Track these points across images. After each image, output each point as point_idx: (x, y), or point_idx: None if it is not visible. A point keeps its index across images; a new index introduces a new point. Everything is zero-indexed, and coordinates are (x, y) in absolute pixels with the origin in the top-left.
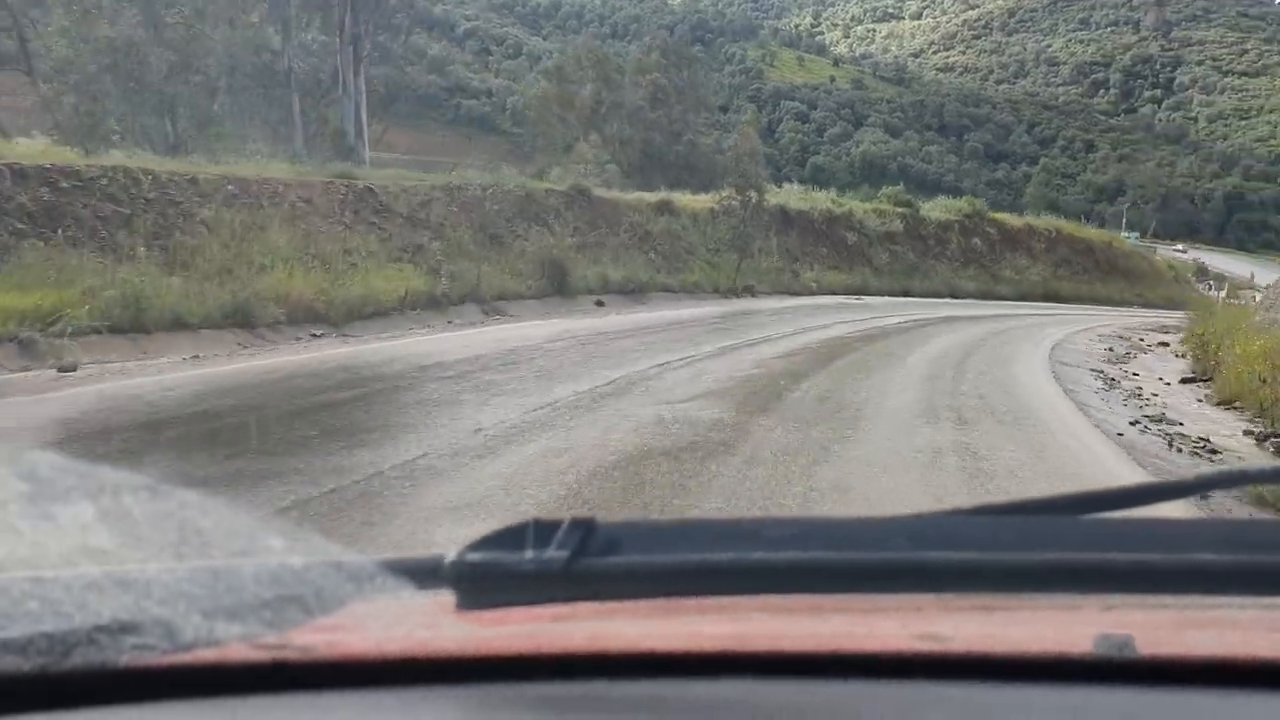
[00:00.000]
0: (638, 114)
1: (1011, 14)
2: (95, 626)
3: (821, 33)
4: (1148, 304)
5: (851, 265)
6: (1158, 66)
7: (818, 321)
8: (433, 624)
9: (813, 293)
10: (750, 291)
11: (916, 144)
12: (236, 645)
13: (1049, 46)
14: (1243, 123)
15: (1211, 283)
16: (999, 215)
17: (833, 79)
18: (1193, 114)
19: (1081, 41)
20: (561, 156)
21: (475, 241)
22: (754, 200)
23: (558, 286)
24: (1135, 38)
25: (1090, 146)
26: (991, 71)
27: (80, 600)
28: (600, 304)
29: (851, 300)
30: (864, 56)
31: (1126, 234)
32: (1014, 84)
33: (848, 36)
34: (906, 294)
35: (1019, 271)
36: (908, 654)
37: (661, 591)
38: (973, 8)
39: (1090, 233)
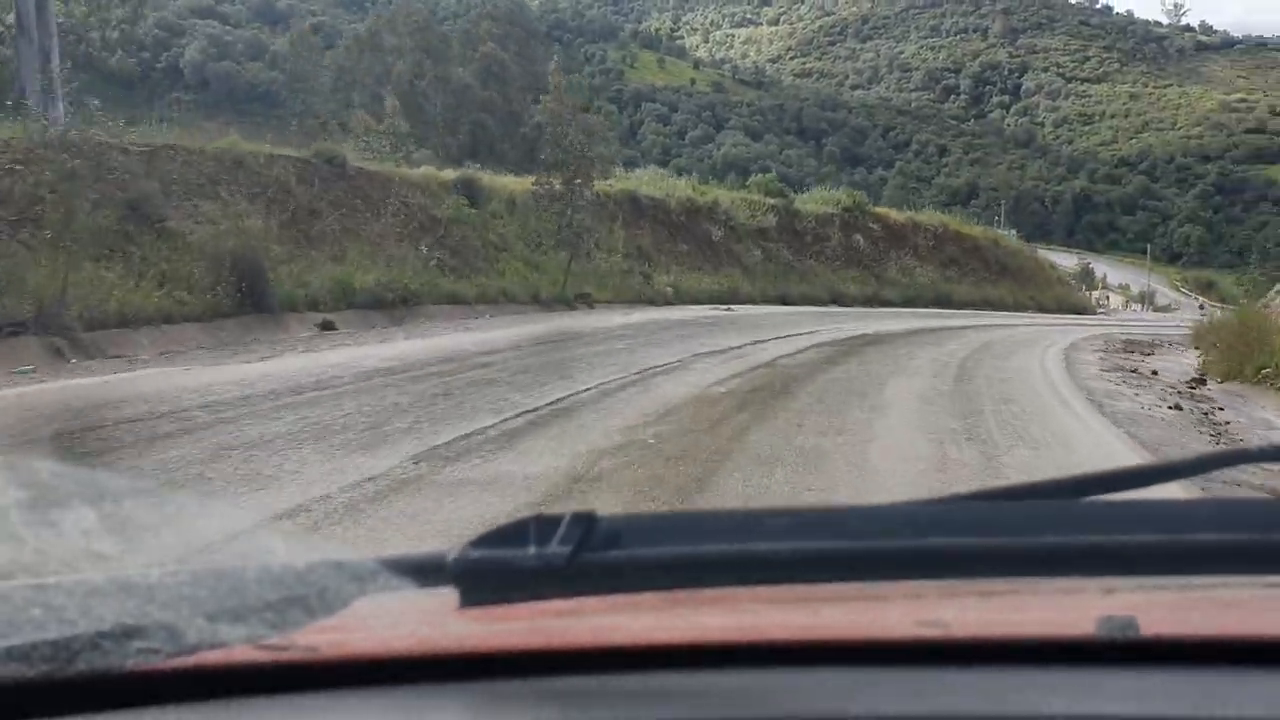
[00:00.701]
0: (466, 92)
1: (865, 21)
2: (99, 632)
3: (681, 37)
4: (1042, 307)
5: (717, 266)
6: (1006, 73)
7: (670, 355)
8: (436, 621)
9: (669, 301)
10: (586, 301)
11: (777, 147)
12: (241, 647)
13: (901, 53)
14: (1086, 128)
15: (1106, 290)
16: (881, 210)
17: (693, 81)
18: (1040, 119)
19: (932, 48)
20: (334, 129)
21: (107, 230)
22: (580, 182)
23: (254, 300)
24: (984, 44)
25: (944, 150)
26: (847, 77)
27: (83, 606)
28: (328, 327)
29: (719, 312)
30: (723, 61)
31: (1008, 231)
32: (869, 89)
33: (707, 41)
34: (784, 301)
35: (906, 273)
36: (911, 641)
37: (664, 584)
38: (827, 15)
39: (976, 230)
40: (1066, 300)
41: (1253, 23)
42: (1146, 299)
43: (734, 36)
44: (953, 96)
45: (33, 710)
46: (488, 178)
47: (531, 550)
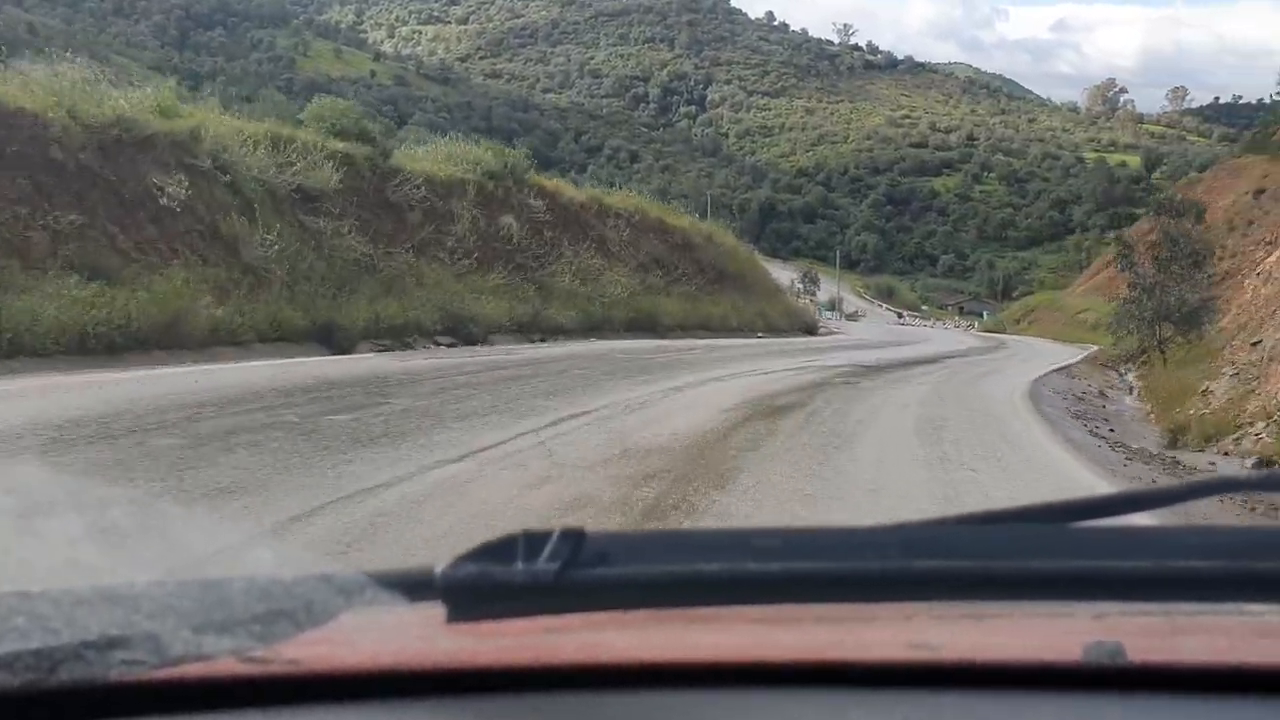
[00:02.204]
0: None
1: (555, 25)
2: (83, 642)
3: (365, 31)
4: (772, 326)
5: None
6: (692, 83)
7: None
8: (424, 636)
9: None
10: None
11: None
12: (225, 659)
13: (592, 59)
14: (767, 139)
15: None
16: (548, 180)
17: (374, 74)
18: (724, 130)
19: (622, 56)
20: None
21: None
22: None
23: None
24: (671, 55)
25: (635, 156)
26: (538, 80)
27: (67, 616)
28: None
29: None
30: (409, 57)
31: (703, 207)
32: (560, 93)
33: (393, 37)
34: (327, 336)
35: (587, 278)
36: (899, 663)
37: (652, 602)
38: (518, 17)
39: (684, 221)
40: (797, 315)
41: (907, 46)
42: (836, 306)
43: (421, 33)
44: (642, 105)
45: None
46: None
47: (520, 566)
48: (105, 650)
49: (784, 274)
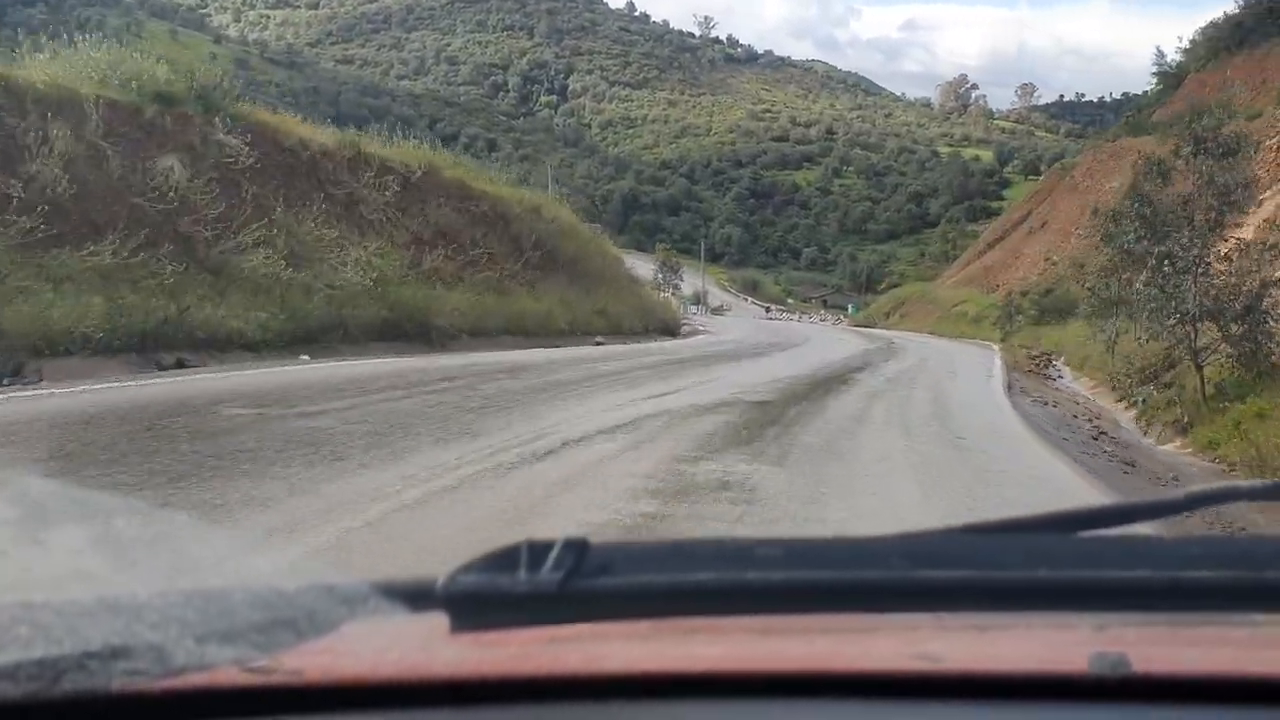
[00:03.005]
0: None
1: (410, 11)
2: (85, 652)
3: (210, 15)
4: (618, 328)
5: None
6: (553, 72)
7: None
8: (426, 646)
9: None
10: None
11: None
12: (228, 669)
13: (449, 45)
14: (630, 130)
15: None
16: (270, 115)
17: (214, 56)
18: (587, 120)
19: (480, 43)
20: None
21: None
22: None
23: None
24: (531, 43)
25: (493, 145)
26: (392, 66)
27: (70, 625)
28: None
29: None
30: (255, 41)
31: (557, 192)
32: (415, 80)
33: (239, 21)
34: None
35: (308, 256)
36: (902, 674)
37: (655, 612)
38: (371, 1)
39: (503, 190)
40: (653, 313)
41: (765, 43)
42: (702, 300)
43: (270, 18)
44: (502, 93)
45: None
46: None
47: (523, 576)
48: (108, 660)
49: (647, 268)
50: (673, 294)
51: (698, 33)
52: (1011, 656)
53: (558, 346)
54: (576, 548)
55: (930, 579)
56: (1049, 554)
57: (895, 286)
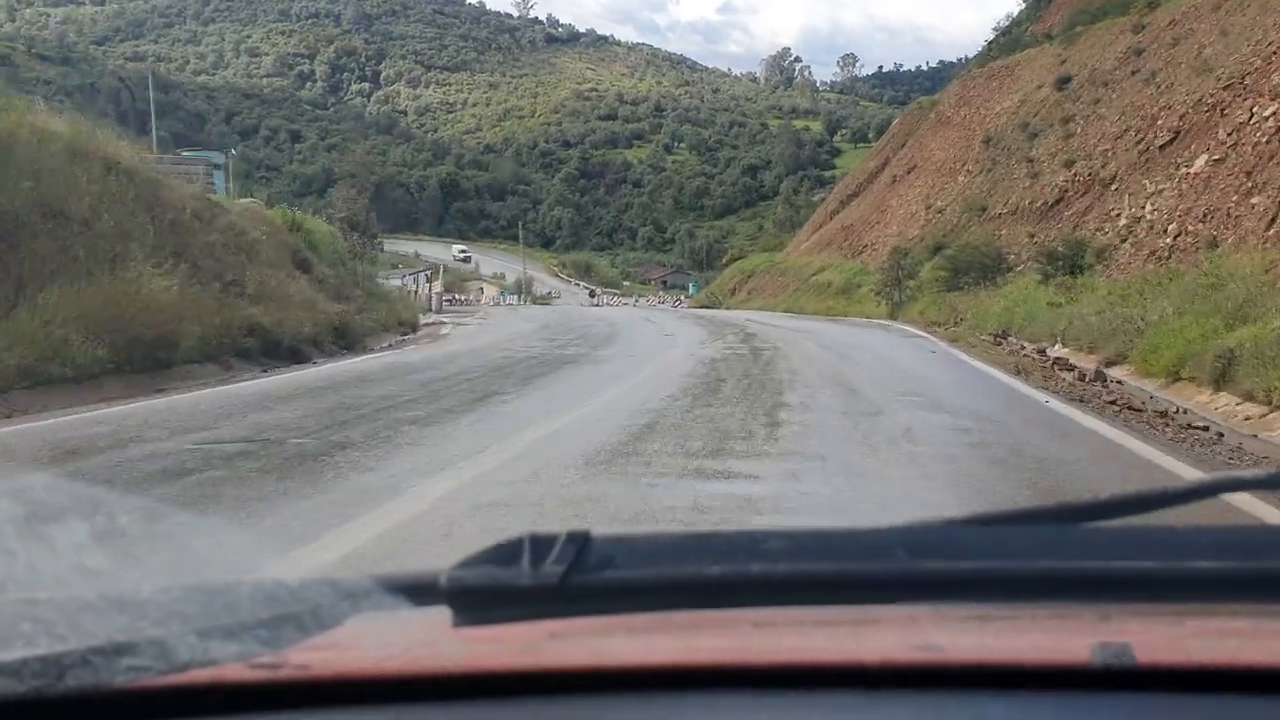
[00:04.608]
0: None
1: (205, 2)
2: (90, 648)
3: None
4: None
5: None
6: (363, 59)
7: None
8: (429, 641)
9: None
10: None
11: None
12: (232, 665)
13: (249, 37)
14: (450, 115)
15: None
16: None
17: None
18: (403, 107)
19: (284, 33)
20: None
21: None
22: None
23: None
24: (338, 30)
25: (297, 136)
26: (189, 61)
27: (74, 622)
28: None
29: None
30: (27, 38)
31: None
32: (214, 74)
33: (14, 20)
34: None
35: None
36: (905, 665)
37: (658, 606)
38: None
39: None
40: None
41: (587, 25)
42: (524, 289)
43: (50, 15)
44: (309, 83)
45: None
46: None
47: (525, 570)
48: (112, 656)
49: (445, 255)
50: (484, 284)
51: (516, 13)
52: (1014, 647)
53: None
54: (579, 541)
55: (933, 570)
56: (1052, 545)
57: (738, 259)
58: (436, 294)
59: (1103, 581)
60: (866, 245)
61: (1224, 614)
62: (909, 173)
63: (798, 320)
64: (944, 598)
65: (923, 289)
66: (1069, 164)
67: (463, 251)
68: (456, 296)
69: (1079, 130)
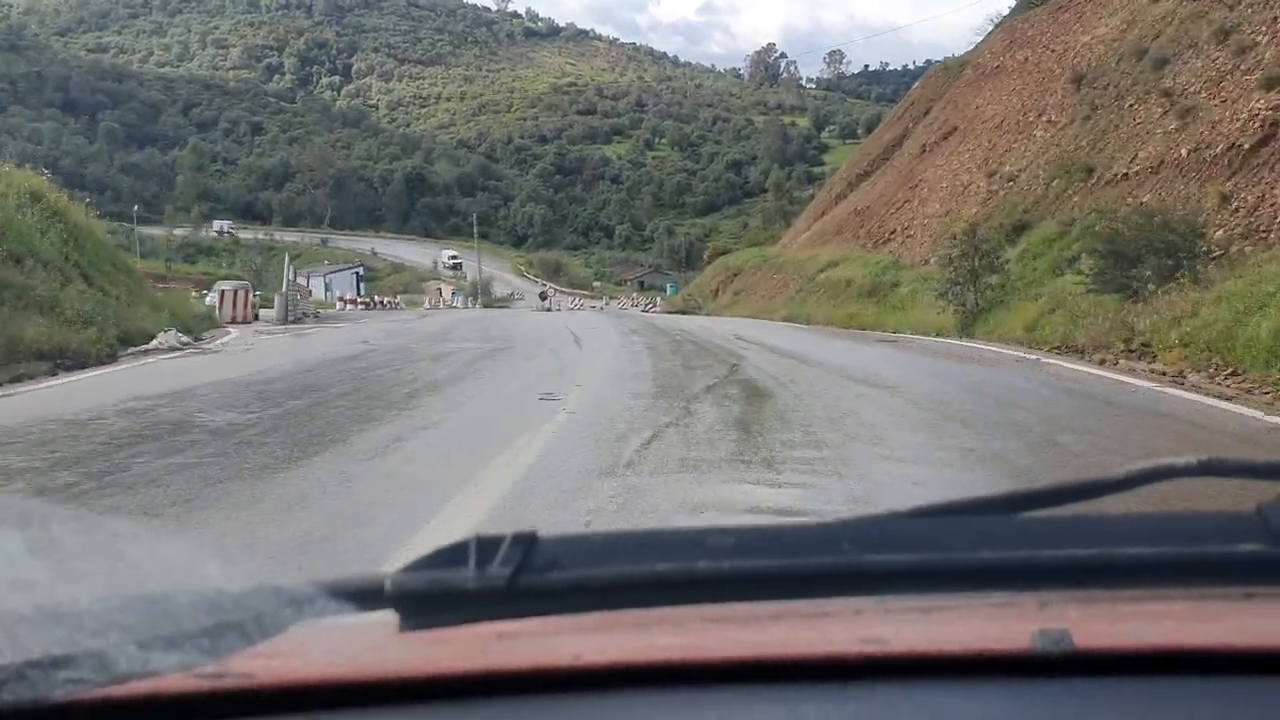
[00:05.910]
0: None
1: None
2: (26, 662)
3: None
4: None
5: None
6: (334, 52)
7: None
8: (376, 646)
9: None
10: None
11: (24, 120)
12: (173, 675)
13: (217, 28)
14: (423, 109)
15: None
16: None
17: None
18: (374, 101)
19: (252, 25)
20: None
21: None
22: None
23: None
24: (309, 22)
25: (258, 129)
26: (152, 53)
27: (9, 635)
28: None
29: None
30: None
31: None
32: (178, 66)
33: None
34: None
35: None
36: (850, 656)
37: (606, 605)
38: None
39: None
40: None
41: (563, 15)
42: (479, 290)
43: (11, 6)
44: (277, 75)
45: None
46: None
47: (471, 572)
48: (49, 670)
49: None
50: (442, 285)
51: (494, 6)
52: (956, 636)
53: None
54: (525, 542)
55: (877, 563)
56: (992, 535)
57: (723, 254)
58: (282, 294)
59: (1041, 570)
60: (895, 231)
61: (1160, 598)
62: (946, 138)
63: (815, 337)
64: (888, 590)
65: (1012, 287)
66: (1269, 84)
67: (454, 258)
68: (384, 300)
69: (1264, 38)
